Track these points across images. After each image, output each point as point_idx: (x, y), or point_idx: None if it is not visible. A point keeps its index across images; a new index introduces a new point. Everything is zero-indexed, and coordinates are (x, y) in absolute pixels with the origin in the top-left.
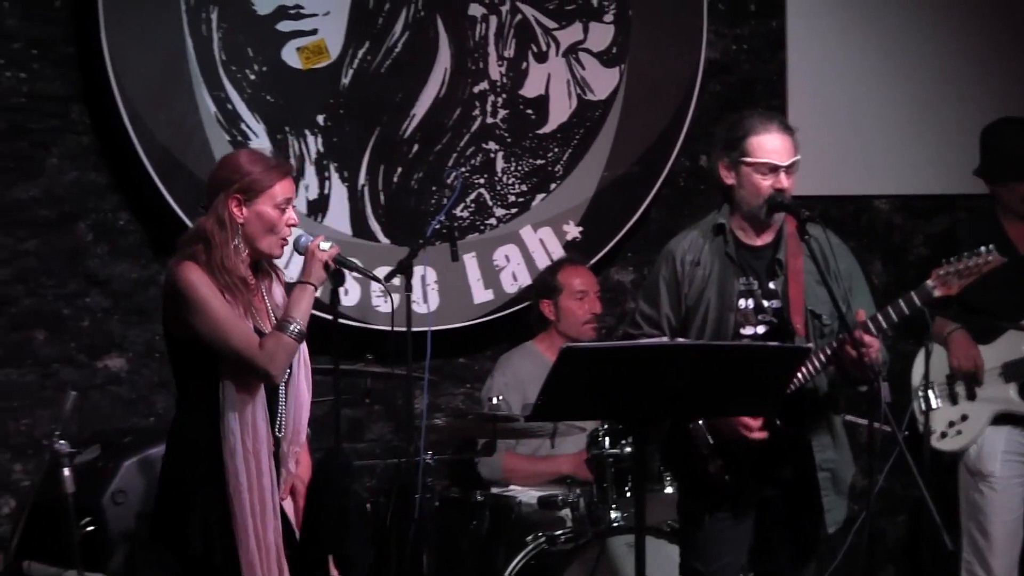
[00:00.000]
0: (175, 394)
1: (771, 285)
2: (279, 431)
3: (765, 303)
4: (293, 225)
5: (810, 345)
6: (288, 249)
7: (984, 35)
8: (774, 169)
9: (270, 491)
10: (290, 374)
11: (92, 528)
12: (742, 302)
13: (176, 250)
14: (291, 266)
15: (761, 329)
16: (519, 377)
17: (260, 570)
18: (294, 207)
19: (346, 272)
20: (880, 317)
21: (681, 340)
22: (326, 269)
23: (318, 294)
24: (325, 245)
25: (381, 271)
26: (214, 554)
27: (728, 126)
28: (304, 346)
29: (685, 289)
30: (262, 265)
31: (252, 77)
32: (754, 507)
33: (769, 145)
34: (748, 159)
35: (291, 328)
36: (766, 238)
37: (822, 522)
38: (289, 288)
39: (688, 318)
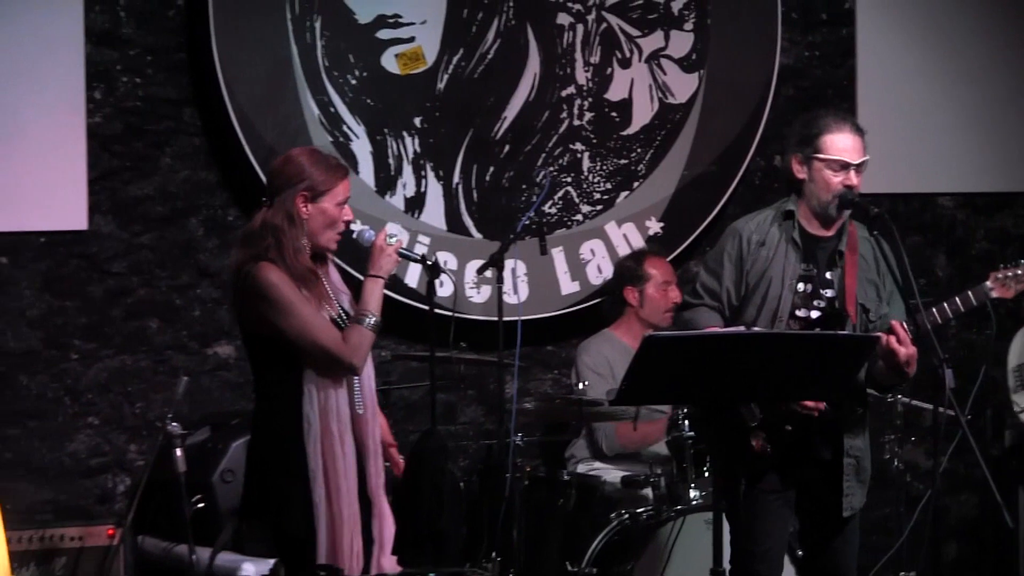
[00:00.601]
0: (254, 385)
1: (828, 275)
2: (359, 409)
3: (822, 290)
4: (349, 221)
5: (878, 335)
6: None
7: None
8: (845, 167)
9: (353, 470)
10: None
11: (202, 505)
12: (801, 286)
13: (241, 243)
14: None
15: (815, 314)
16: (607, 362)
17: (343, 545)
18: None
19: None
20: (936, 312)
21: (757, 329)
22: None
23: (414, 285)
24: (392, 240)
25: (474, 264)
26: (300, 531)
27: (803, 123)
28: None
29: (748, 267)
30: (317, 254)
31: (353, 82)
32: (794, 487)
33: (841, 144)
34: (821, 155)
35: (367, 321)
36: (830, 231)
37: (840, 505)
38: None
39: (748, 294)
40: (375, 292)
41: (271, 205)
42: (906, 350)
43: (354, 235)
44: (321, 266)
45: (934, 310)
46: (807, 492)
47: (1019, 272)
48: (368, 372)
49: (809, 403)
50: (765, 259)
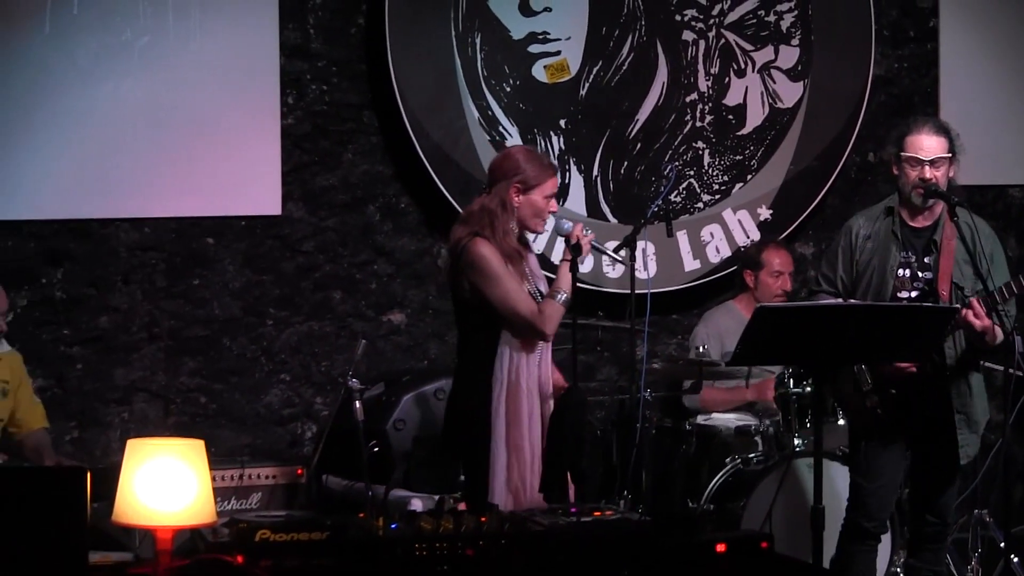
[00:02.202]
0: (457, 342)
1: (926, 260)
2: (542, 371)
3: (920, 274)
4: (553, 213)
5: (957, 306)
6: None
7: None
8: (920, 162)
9: (536, 423)
10: None
11: (377, 449)
12: (901, 271)
13: (461, 222)
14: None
15: (914, 294)
16: (719, 330)
17: (515, 483)
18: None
19: (584, 248)
20: (1004, 288)
21: (853, 301)
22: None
23: (556, 261)
24: (587, 232)
25: (610, 245)
26: (482, 470)
27: (895, 127)
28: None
29: (857, 257)
30: (521, 237)
31: (508, 89)
32: (904, 438)
33: (918, 143)
34: (903, 153)
35: (559, 297)
36: (925, 221)
37: (957, 454)
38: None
39: (857, 280)
40: (567, 274)
41: (489, 192)
42: (980, 322)
43: (553, 226)
44: (524, 249)
45: (1002, 287)
46: (919, 442)
47: None
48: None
49: (902, 364)
50: (871, 250)
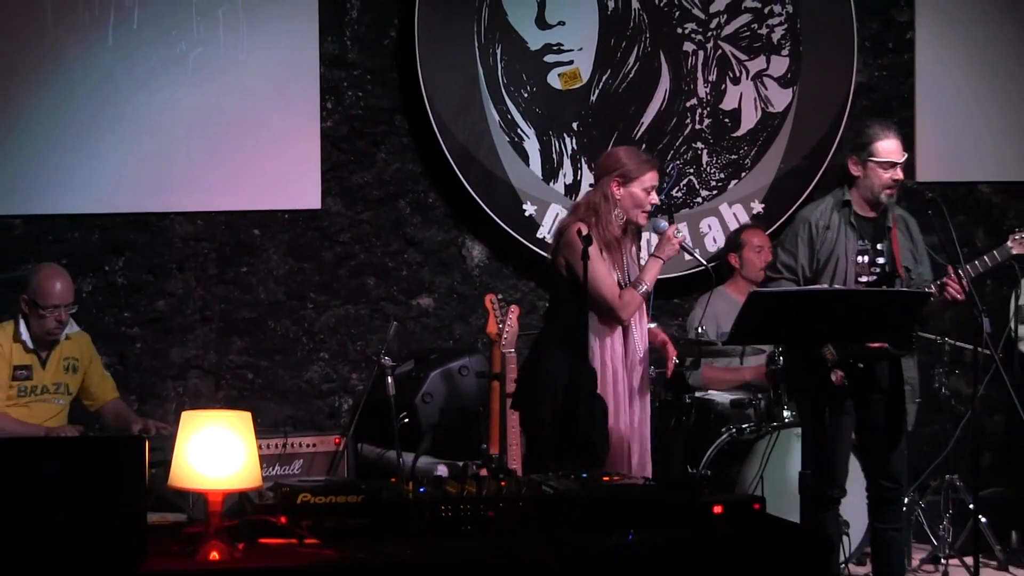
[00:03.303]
0: (547, 311)
1: (879, 247)
2: (634, 352)
3: (876, 259)
4: (654, 204)
5: (932, 292)
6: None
7: None
8: (893, 165)
9: (624, 392)
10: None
11: (407, 420)
12: (860, 258)
13: (571, 212)
14: None
15: (873, 278)
16: (715, 312)
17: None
18: (656, 191)
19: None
20: (969, 267)
21: (838, 287)
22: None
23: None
24: (679, 234)
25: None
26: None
27: (857, 132)
28: (680, 233)
29: (817, 247)
30: (629, 230)
31: (525, 95)
32: (860, 409)
33: (890, 148)
34: (875, 159)
35: (641, 288)
36: (875, 212)
37: (905, 421)
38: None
39: (821, 268)
40: (653, 269)
41: (595, 186)
42: (961, 296)
43: (653, 222)
44: (630, 240)
45: (967, 266)
46: (870, 411)
47: None
48: (643, 330)
49: (875, 344)
50: (831, 240)
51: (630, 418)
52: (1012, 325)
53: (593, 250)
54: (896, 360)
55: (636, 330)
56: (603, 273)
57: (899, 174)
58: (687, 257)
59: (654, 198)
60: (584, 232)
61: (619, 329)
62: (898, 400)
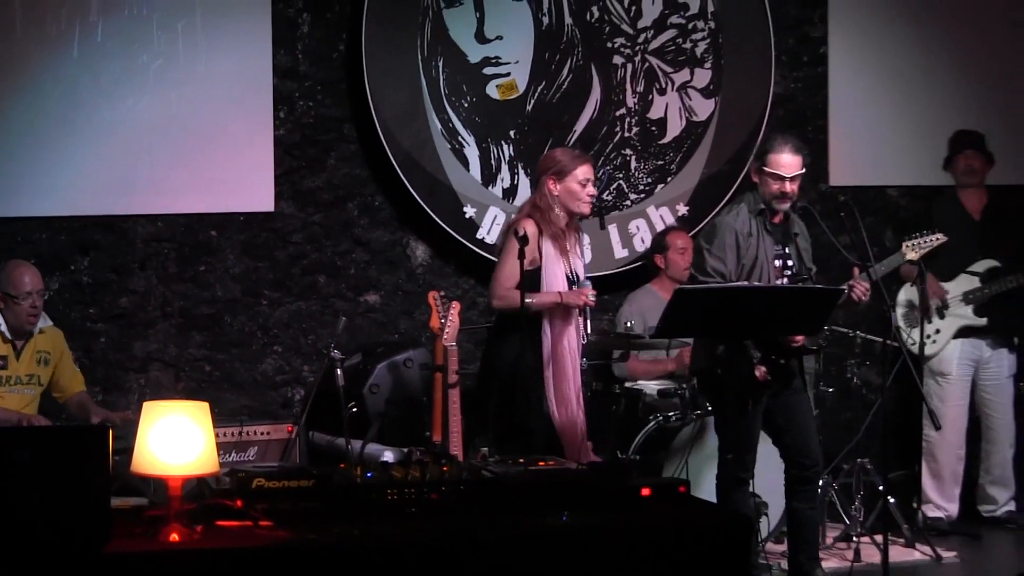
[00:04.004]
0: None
1: (787, 250)
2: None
3: (787, 262)
4: (592, 196)
5: (844, 288)
6: None
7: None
8: (782, 179)
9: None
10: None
11: (355, 410)
12: (776, 261)
13: (518, 213)
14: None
15: (786, 280)
16: (642, 308)
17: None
18: (593, 183)
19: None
20: (869, 271)
21: (757, 284)
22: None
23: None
24: (592, 297)
25: None
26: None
27: (760, 141)
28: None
29: (743, 251)
30: (574, 223)
31: (466, 105)
32: (772, 396)
33: (780, 161)
34: (766, 168)
35: (530, 300)
36: (780, 218)
37: (811, 407)
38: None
39: (746, 273)
40: (549, 299)
41: (536, 187)
42: (868, 297)
43: (577, 279)
44: (574, 235)
45: (869, 269)
46: (783, 400)
47: (921, 242)
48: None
49: (796, 338)
50: (754, 245)
51: (576, 406)
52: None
53: (511, 243)
54: (800, 352)
55: (574, 325)
56: (510, 261)
57: (786, 187)
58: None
59: (591, 189)
60: (521, 232)
61: (572, 320)
62: (803, 388)
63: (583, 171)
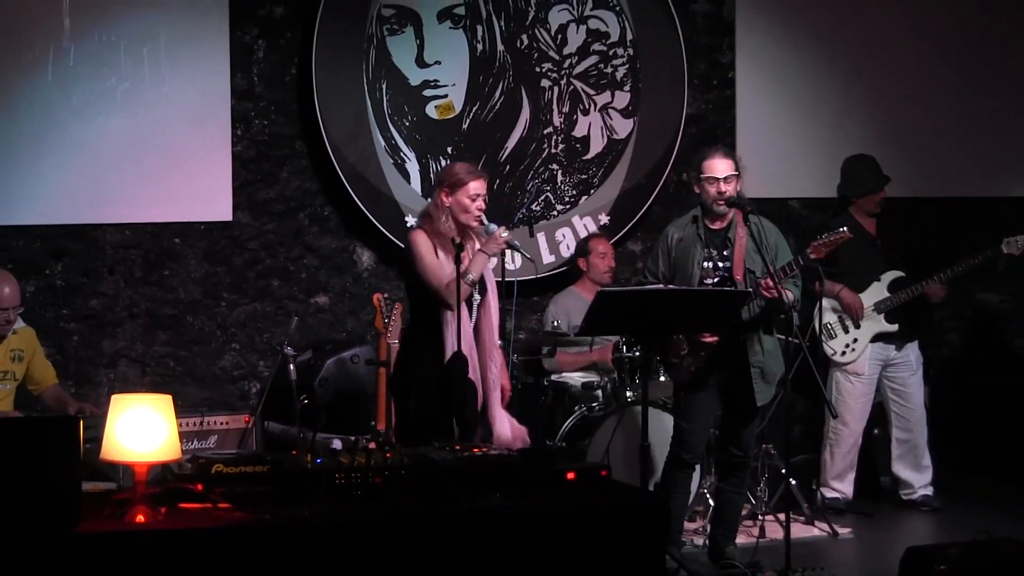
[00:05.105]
0: (408, 312)
1: (724, 253)
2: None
3: (719, 264)
4: (481, 210)
5: (750, 291)
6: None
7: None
8: (716, 180)
9: (489, 376)
10: (483, 300)
11: (307, 401)
12: (705, 264)
13: (416, 219)
14: None
15: (716, 280)
16: (567, 308)
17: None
18: (484, 198)
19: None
20: (779, 270)
21: (672, 286)
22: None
23: (492, 263)
24: (505, 234)
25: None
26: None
27: (696, 157)
28: (494, 283)
29: (674, 255)
30: (468, 233)
31: (407, 124)
32: (716, 388)
33: (713, 166)
34: (703, 175)
35: (467, 277)
36: (722, 224)
37: (755, 399)
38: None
39: (674, 273)
40: (478, 261)
41: (432, 197)
42: (770, 294)
43: (485, 225)
44: (468, 242)
45: (779, 268)
46: (726, 391)
47: (827, 240)
48: (491, 316)
49: (707, 336)
50: (684, 249)
51: (495, 398)
52: (819, 334)
53: (423, 247)
54: (742, 346)
55: (486, 320)
56: (432, 265)
57: (722, 187)
58: (516, 256)
59: (480, 204)
60: (458, 240)
61: (465, 318)
62: (745, 380)
63: (475, 186)
